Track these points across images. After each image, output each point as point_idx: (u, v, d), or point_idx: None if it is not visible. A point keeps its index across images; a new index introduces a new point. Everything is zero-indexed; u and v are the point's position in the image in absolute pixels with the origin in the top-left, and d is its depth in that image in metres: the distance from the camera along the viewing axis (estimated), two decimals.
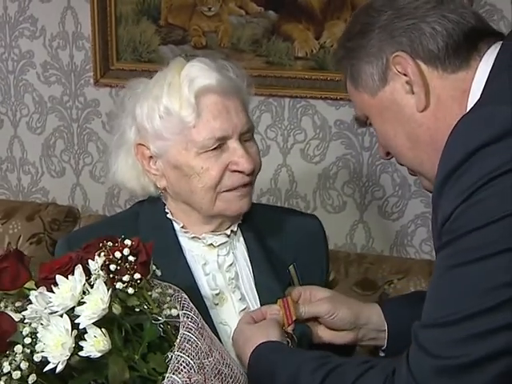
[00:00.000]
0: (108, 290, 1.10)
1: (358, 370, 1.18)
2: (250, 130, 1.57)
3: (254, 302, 1.58)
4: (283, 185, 2.71)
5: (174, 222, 1.60)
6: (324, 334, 1.52)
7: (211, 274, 1.57)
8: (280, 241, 1.66)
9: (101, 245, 1.17)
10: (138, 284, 1.15)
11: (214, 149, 1.50)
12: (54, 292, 1.12)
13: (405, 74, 1.24)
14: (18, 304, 1.22)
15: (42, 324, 1.10)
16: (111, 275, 1.14)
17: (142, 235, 1.28)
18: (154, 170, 1.57)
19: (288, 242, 1.66)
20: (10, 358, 1.11)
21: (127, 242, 1.16)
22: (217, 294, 1.56)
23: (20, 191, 3.06)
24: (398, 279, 2.34)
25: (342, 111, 2.58)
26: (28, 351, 1.10)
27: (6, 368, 1.09)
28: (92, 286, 1.11)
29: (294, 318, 1.49)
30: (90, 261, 1.16)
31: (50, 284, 1.13)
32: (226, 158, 1.51)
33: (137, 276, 1.14)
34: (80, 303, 1.10)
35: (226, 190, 1.53)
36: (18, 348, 1.11)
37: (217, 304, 1.55)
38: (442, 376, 1.06)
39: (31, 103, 2.96)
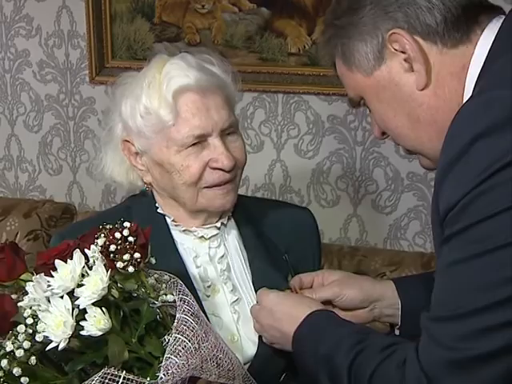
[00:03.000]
0: (107, 270, 1.12)
1: (378, 358, 1.17)
2: (233, 125, 1.56)
3: (246, 293, 1.60)
4: (277, 180, 2.73)
5: (165, 216, 1.62)
6: (339, 315, 1.51)
7: (202, 267, 1.59)
8: (273, 232, 1.67)
9: (100, 227, 1.19)
10: (139, 263, 1.17)
11: (194, 145, 1.51)
12: (53, 276, 1.14)
13: (403, 52, 1.19)
14: (13, 296, 1.22)
15: (40, 310, 1.12)
16: (111, 255, 1.16)
17: None
18: (140, 165, 1.60)
19: (281, 233, 1.68)
20: (12, 338, 1.12)
21: (126, 224, 1.19)
22: (208, 286, 1.58)
23: (17, 189, 3.08)
24: (391, 271, 2.37)
25: (335, 106, 2.61)
26: (30, 331, 1.12)
27: (9, 347, 1.11)
28: (91, 269, 1.13)
29: None
30: (91, 246, 1.18)
31: (48, 270, 1.15)
32: (206, 155, 1.52)
33: (137, 255, 1.16)
34: (79, 286, 1.12)
35: (208, 187, 1.54)
36: (21, 328, 1.12)
37: (209, 296, 1.57)
38: (454, 368, 1.04)
39: (28, 102, 2.98)
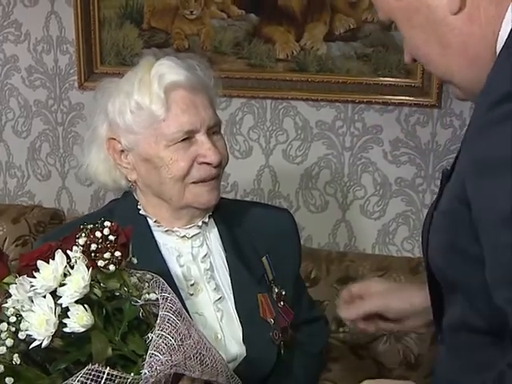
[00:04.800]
0: (88, 269, 1.13)
1: None
2: (217, 124, 1.63)
3: (229, 292, 1.62)
4: (266, 185, 2.74)
5: (147, 218, 1.64)
6: (389, 326, 1.52)
7: (186, 266, 1.62)
8: (253, 233, 1.71)
9: (81, 227, 1.20)
10: (120, 261, 1.18)
11: (183, 141, 1.56)
12: (35, 277, 1.14)
13: None
14: None
15: (23, 310, 1.13)
16: (92, 254, 1.16)
17: None
18: (125, 163, 1.63)
19: (261, 234, 1.71)
20: None
21: (107, 223, 1.20)
22: (192, 285, 1.60)
23: (6, 195, 3.08)
24: (379, 276, 2.37)
25: (323, 112, 2.62)
26: (13, 329, 1.13)
27: None
28: (72, 268, 1.14)
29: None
30: (73, 247, 1.18)
31: (31, 270, 1.15)
32: (194, 150, 1.57)
33: (117, 253, 1.17)
34: (61, 285, 1.13)
35: (194, 182, 1.58)
36: (3, 326, 1.13)
37: (192, 294, 1.59)
38: None
39: (16, 107, 2.98)
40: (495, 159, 0.96)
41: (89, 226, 1.20)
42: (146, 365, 1.12)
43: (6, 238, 2.74)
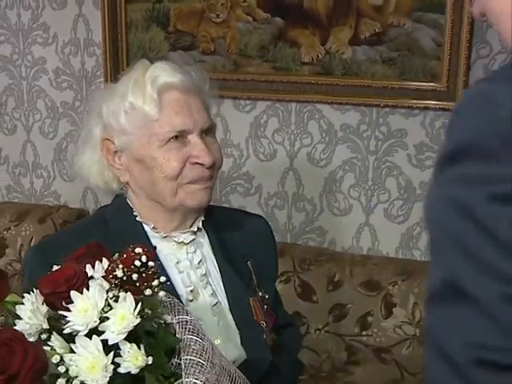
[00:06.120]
0: (137, 303, 1.08)
1: None
2: (211, 127, 1.64)
3: (223, 296, 1.64)
4: (290, 188, 2.75)
5: (143, 224, 1.65)
6: None
7: (185, 272, 1.63)
8: (236, 238, 1.73)
9: (111, 258, 1.17)
10: (164, 286, 1.15)
11: (176, 140, 1.57)
12: (67, 308, 1.08)
13: None
14: None
15: (62, 351, 1.06)
16: (136, 284, 1.13)
17: (112, 241, 1.36)
18: (118, 164, 1.63)
19: (244, 239, 1.74)
20: None
21: (138, 249, 1.16)
22: (191, 291, 1.61)
23: (32, 195, 3.11)
24: (402, 280, 2.38)
25: (348, 115, 2.62)
26: (64, 380, 1.06)
27: None
28: (116, 300, 1.09)
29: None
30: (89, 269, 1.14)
31: (60, 300, 1.09)
32: (187, 151, 1.58)
33: (163, 279, 1.15)
34: (101, 319, 1.07)
35: (188, 183, 1.59)
36: (61, 382, 1.05)
37: (191, 300, 1.61)
38: None
39: (44, 108, 3.01)
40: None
41: (116, 255, 1.18)
42: None
43: (32, 238, 2.77)
